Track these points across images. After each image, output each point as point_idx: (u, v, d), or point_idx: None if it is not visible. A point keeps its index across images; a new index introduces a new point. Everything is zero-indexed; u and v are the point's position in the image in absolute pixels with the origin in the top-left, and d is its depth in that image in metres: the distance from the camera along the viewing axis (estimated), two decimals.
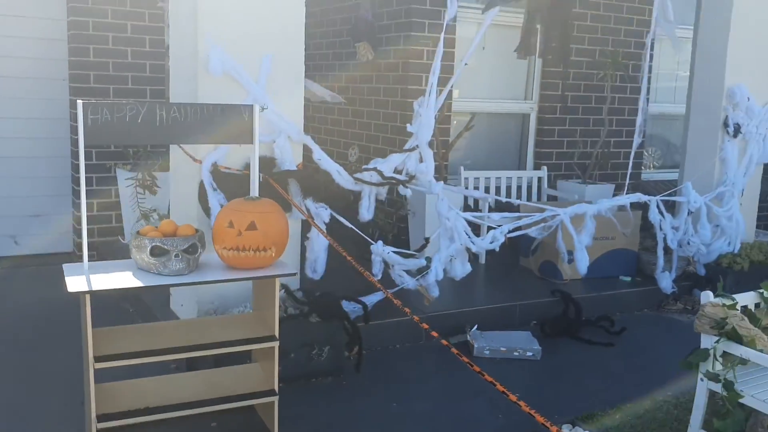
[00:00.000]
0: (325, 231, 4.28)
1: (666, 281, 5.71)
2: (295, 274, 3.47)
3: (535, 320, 5.33)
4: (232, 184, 4.14)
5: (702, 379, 3.67)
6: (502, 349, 4.73)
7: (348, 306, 4.51)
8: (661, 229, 5.70)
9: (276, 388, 3.53)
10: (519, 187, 7.04)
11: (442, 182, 4.85)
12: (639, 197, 5.66)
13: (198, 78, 4.13)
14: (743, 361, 3.61)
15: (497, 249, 5.08)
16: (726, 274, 5.79)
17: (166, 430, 3.56)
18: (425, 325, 2.91)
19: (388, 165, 4.62)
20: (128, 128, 3.34)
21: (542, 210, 5.39)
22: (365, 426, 3.78)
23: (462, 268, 4.85)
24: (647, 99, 6.49)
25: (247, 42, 4.19)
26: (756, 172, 6.43)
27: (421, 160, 4.70)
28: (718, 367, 3.61)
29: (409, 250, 5.02)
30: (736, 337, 3.55)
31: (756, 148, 6.26)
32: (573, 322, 5.24)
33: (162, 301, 4.78)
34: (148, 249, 3.23)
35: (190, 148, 4.19)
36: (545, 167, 7.20)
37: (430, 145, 4.79)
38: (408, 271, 4.71)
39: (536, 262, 6.17)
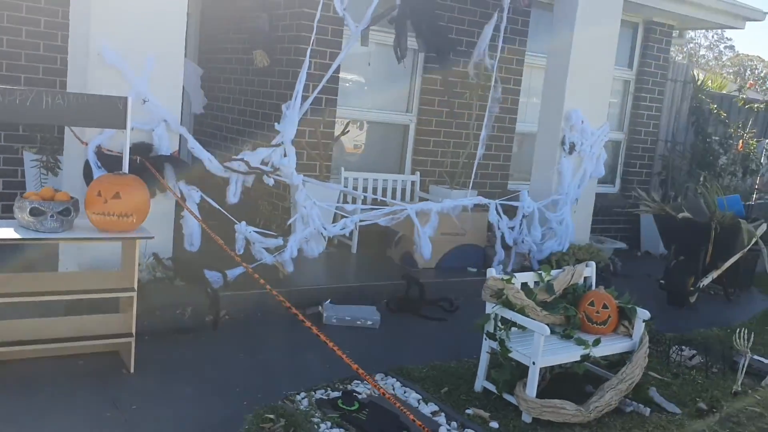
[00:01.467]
0: (197, 211, 5.04)
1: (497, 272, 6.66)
2: (152, 237, 4.20)
3: (386, 299, 6.20)
4: (113, 164, 4.84)
5: (485, 338, 4.60)
6: (347, 318, 5.57)
7: (212, 276, 5.26)
8: (498, 228, 6.66)
9: (133, 331, 4.26)
10: (395, 189, 7.96)
11: (302, 175, 5.66)
12: (480, 200, 6.61)
13: (88, 72, 4.84)
14: (520, 326, 4.54)
15: (347, 234, 5.94)
16: None
17: (40, 366, 4.23)
18: (281, 298, 3.69)
19: (255, 157, 5.40)
20: (17, 109, 4.04)
21: (392, 205, 6.28)
22: (209, 368, 4.53)
23: (317, 248, 5.67)
24: (492, 117, 7.46)
25: (133, 43, 4.90)
26: (591, 185, 7.48)
27: (285, 155, 5.50)
28: (499, 330, 4.53)
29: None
30: (509, 305, 4.48)
31: (590, 164, 7.31)
32: (416, 300, 6.13)
33: (51, 268, 5.42)
34: (28, 209, 3.94)
35: (79, 132, 4.89)
36: (419, 172, 8.15)
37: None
38: (267, 249, 5.50)
39: (398, 253, 7.06)
